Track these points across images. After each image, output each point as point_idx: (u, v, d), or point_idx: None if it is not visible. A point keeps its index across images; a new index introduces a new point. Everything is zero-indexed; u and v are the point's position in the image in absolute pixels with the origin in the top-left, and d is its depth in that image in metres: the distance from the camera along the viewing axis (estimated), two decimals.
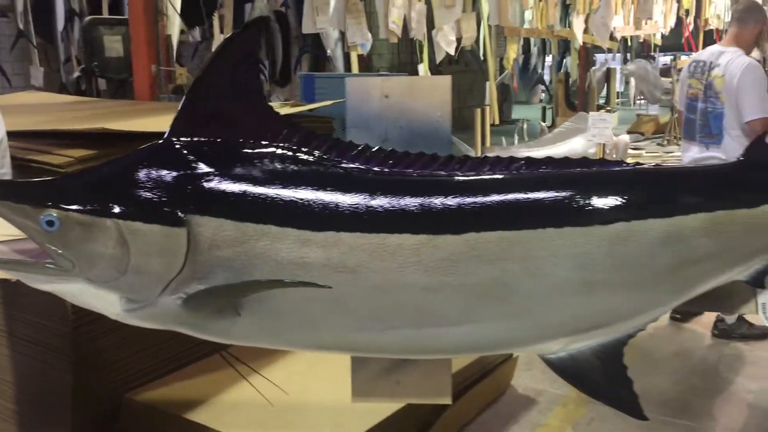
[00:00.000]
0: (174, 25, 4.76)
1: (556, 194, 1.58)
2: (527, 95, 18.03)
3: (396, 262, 1.53)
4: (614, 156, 6.57)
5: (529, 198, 1.58)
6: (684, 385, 3.31)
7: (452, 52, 5.91)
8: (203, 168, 1.57)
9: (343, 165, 1.63)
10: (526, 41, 11.14)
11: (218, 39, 5.68)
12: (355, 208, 1.57)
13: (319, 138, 1.66)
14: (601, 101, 11.50)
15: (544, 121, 10.54)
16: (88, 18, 5.10)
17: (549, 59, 12.54)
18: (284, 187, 1.58)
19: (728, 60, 3.58)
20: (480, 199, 1.58)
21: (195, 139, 1.59)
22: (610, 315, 1.65)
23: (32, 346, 2.45)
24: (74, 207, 1.50)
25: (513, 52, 7.20)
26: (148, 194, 1.54)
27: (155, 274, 1.53)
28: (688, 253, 1.57)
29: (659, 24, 8.31)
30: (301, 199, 1.57)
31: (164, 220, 1.50)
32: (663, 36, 9.61)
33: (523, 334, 1.66)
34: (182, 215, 1.50)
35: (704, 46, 10.75)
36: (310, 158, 1.63)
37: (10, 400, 2.58)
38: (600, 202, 1.56)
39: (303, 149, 1.63)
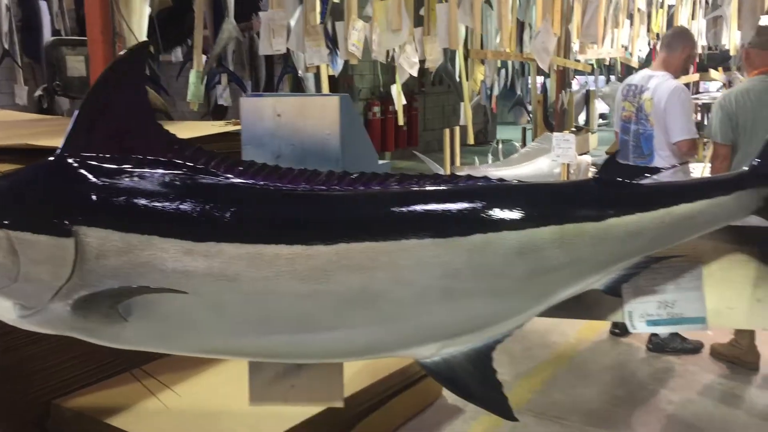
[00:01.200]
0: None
1: (420, 208, 1.69)
2: (515, 116, 18.24)
3: (272, 271, 1.63)
4: (577, 175, 6.70)
5: (395, 211, 1.70)
6: (610, 395, 3.40)
7: (415, 73, 6.03)
8: (92, 181, 1.67)
9: (227, 179, 1.74)
10: (505, 63, 11.31)
11: (199, 58, 5.82)
12: (235, 219, 1.67)
13: (207, 154, 1.77)
14: (582, 123, 11.67)
15: (524, 141, 10.71)
16: (51, 38, 5.23)
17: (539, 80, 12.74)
18: (169, 199, 1.69)
19: (657, 84, 3.71)
20: (350, 213, 1.70)
21: (86, 154, 1.70)
22: (474, 321, 1.76)
23: None
24: None
25: (480, 74, 7.34)
26: (38, 206, 1.64)
27: (45, 282, 1.62)
28: (542, 262, 1.69)
29: (630, 48, 8.46)
30: (185, 211, 1.68)
31: (52, 231, 1.59)
32: (640, 59, 9.79)
33: (394, 339, 1.76)
34: (70, 226, 1.60)
35: None
36: (196, 173, 1.73)
37: None
38: (459, 215, 1.67)
39: (189, 164, 1.74)
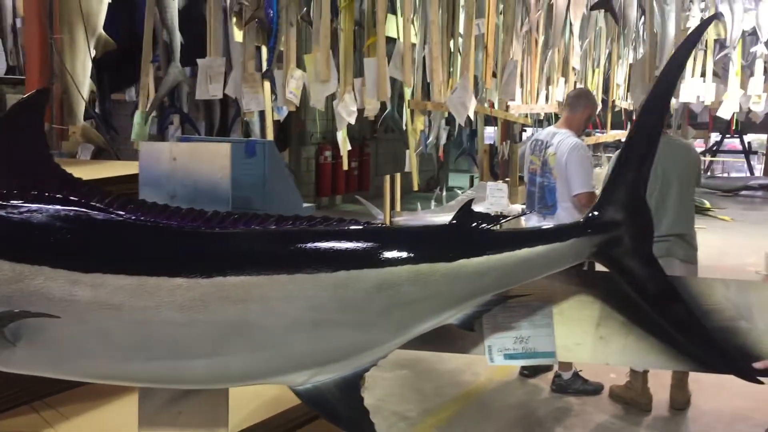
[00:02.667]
0: (83, 86, 5.08)
1: (292, 246, 1.88)
2: (469, 164, 18.68)
3: (154, 301, 1.79)
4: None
5: (268, 249, 1.88)
6: None
7: (352, 121, 6.27)
8: None
9: (117, 216, 1.91)
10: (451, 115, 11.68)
11: (144, 99, 5.99)
12: (120, 252, 1.84)
13: (101, 192, 1.94)
14: None
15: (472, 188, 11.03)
16: None
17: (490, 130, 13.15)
18: (60, 233, 1.84)
19: (560, 140, 4.00)
20: (228, 249, 1.88)
21: None
22: (341, 350, 1.93)
23: None
24: None
25: (420, 123, 7.63)
26: None
27: None
28: (399, 297, 1.88)
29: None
30: (73, 244, 1.83)
31: None
32: None
33: (267, 367, 1.93)
34: None
35: (612, 125, 11.47)
36: (88, 209, 1.90)
37: None
38: (327, 253, 1.86)
39: (82, 200, 1.90)
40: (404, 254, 1.88)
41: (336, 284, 1.83)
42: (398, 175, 7.77)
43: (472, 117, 6.87)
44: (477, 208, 6.53)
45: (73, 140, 4.39)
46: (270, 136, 6.47)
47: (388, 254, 1.87)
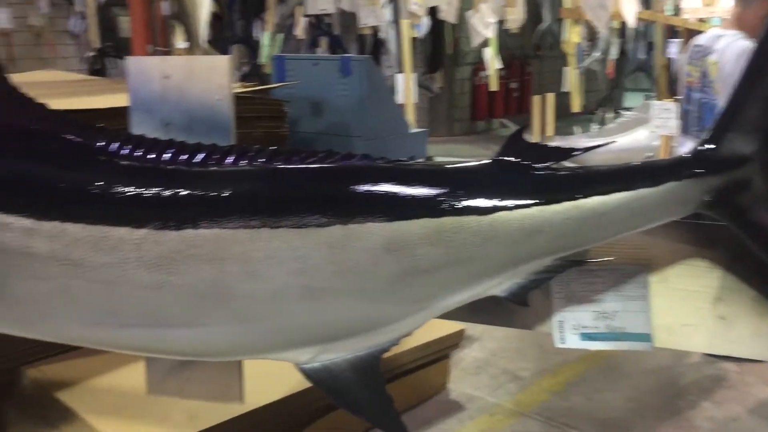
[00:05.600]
0: (202, 6, 4.86)
1: (274, 191, 1.44)
2: (651, 83, 17.03)
3: (117, 257, 1.45)
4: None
5: (246, 193, 1.45)
6: (638, 404, 2.97)
7: (490, 35, 5.62)
8: None
9: (82, 151, 1.56)
10: (624, 25, 10.45)
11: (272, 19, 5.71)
12: (82, 196, 1.50)
13: (66, 121, 1.59)
14: None
15: None
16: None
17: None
18: (17, 172, 1.54)
19: (726, 44, 3.14)
20: (201, 192, 1.47)
21: None
22: (346, 325, 1.49)
23: None
24: None
25: (575, 35, 6.74)
26: None
27: None
28: (415, 261, 1.38)
29: None
30: (31, 186, 1.52)
31: None
32: None
33: (255, 341, 1.53)
34: None
35: None
36: (47, 142, 1.57)
37: None
38: (317, 201, 1.40)
39: (48, 133, 1.58)
40: (421, 204, 1.37)
41: (330, 242, 1.37)
42: (551, 95, 7.00)
43: (631, 23, 5.90)
44: (639, 131, 5.63)
45: None
46: (407, 55, 5.99)
47: (400, 203, 1.37)
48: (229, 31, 7.42)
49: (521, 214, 1.36)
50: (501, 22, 5.73)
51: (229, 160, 1.51)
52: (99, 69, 5.70)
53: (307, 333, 1.51)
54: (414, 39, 6.24)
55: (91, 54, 5.69)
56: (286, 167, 1.47)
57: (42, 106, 1.61)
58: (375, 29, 7.90)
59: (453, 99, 10.73)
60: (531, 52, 12.29)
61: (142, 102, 1.76)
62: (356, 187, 1.40)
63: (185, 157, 1.52)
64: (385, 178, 1.41)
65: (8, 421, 2.60)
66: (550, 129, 7.15)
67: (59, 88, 3.75)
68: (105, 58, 5.21)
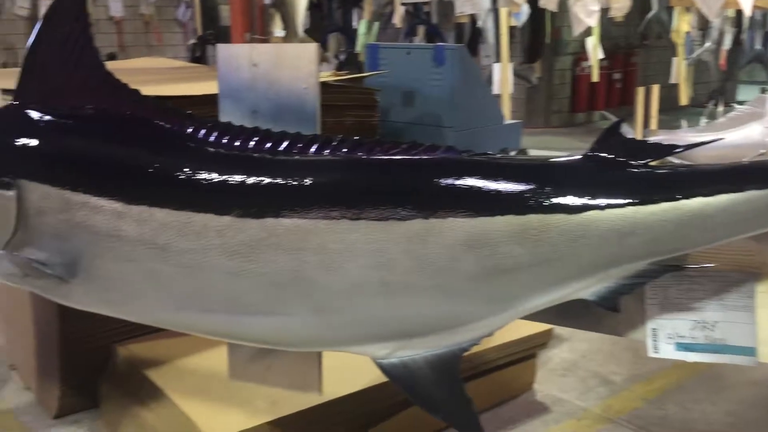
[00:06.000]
0: None
1: (355, 182, 1.41)
2: (767, 75, 16.08)
3: (201, 243, 1.47)
4: None
5: (327, 183, 1.43)
6: (737, 418, 2.78)
7: (593, 23, 5.42)
8: (38, 133, 1.60)
9: (169, 137, 1.58)
10: (739, 13, 9.87)
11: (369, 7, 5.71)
12: (169, 182, 1.52)
13: (160, 108, 1.62)
14: None
15: None
16: None
17: None
18: (108, 157, 1.58)
19: None
20: (283, 181, 1.46)
21: (34, 104, 1.62)
22: (424, 322, 1.45)
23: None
24: None
25: (685, 24, 6.41)
26: None
27: None
28: (497, 260, 1.32)
29: None
30: (122, 171, 1.56)
31: None
32: None
33: (332, 333, 1.52)
34: (12, 180, 1.55)
35: None
36: (138, 128, 1.60)
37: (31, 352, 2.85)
38: (398, 194, 1.37)
39: (140, 119, 1.61)
40: (506, 200, 1.30)
41: (409, 236, 1.34)
42: (655, 87, 6.69)
43: (747, 11, 5.55)
44: (753, 127, 5.32)
45: None
46: (504, 44, 5.86)
47: (483, 199, 1.31)
48: (327, 20, 7.48)
49: (614, 213, 1.27)
50: (605, 11, 5.50)
51: (313, 149, 1.50)
52: (199, 56, 5.87)
53: (384, 328, 1.48)
54: (512, 28, 6.11)
55: (193, 42, 5.85)
56: (368, 158, 1.44)
57: (136, 92, 1.64)
58: (473, 18, 7.79)
59: (551, 90, 10.44)
60: (636, 41, 11.81)
61: (231, 89, 1.77)
62: (439, 180, 1.36)
63: (269, 145, 1.52)
64: (469, 171, 1.35)
65: (102, 394, 2.70)
66: (654, 122, 6.84)
67: (157, 75, 3.86)
68: (206, 45, 5.35)
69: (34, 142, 1.59)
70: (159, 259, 1.51)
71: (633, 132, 6.83)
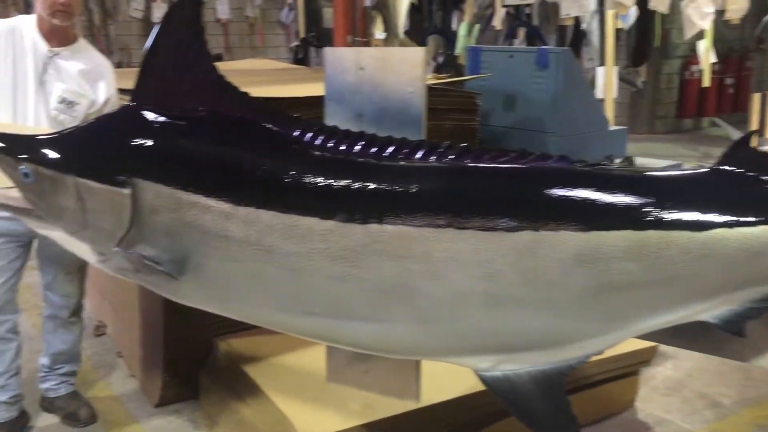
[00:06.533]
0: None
1: (462, 190, 1.39)
2: None
3: (305, 247, 1.47)
4: None
5: (433, 190, 1.41)
6: None
7: (707, 26, 5.18)
8: (153, 133, 1.65)
9: (277, 140, 1.60)
10: None
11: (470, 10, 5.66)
12: (276, 185, 1.54)
13: (272, 112, 1.64)
14: None
15: None
16: None
17: None
18: (219, 158, 1.61)
19: None
20: (388, 186, 1.45)
21: (149, 105, 1.67)
22: (530, 337, 1.41)
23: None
24: (44, 162, 1.69)
25: None
26: (103, 156, 1.68)
27: (108, 231, 1.66)
28: (611, 276, 1.26)
29: None
30: (231, 172, 1.59)
31: (113, 182, 1.61)
32: None
33: (434, 343, 1.49)
34: (128, 178, 1.60)
35: None
36: (246, 130, 1.62)
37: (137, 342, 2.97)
38: (508, 204, 1.32)
39: (250, 121, 1.63)
40: (623, 214, 1.24)
41: (518, 249, 1.29)
42: None
43: None
44: None
45: None
46: (610, 47, 5.67)
47: (598, 212, 1.25)
48: (427, 22, 7.45)
49: (742, 233, 1.19)
50: (720, 13, 5.24)
51: (419, 155, 1.47)
52: (302, 58, 5.97)
53: (488, 340, 1.44)
54: (618, 30, 5.90)
55: (296, 44, 5.96)
56: (477, 165, 1.41)
57: (246, 94, 1.66)
58: (577, 20, 7.58)
59: (657, 94, 10.07)
60: (752, 45, 11.23)
61: (337, 92, 1.77)
62: (550, 191, 1.31)
63: (375, 150, 1.51)
64: (584, 182, 1.30)
65: (202, 386, 2.78)
66: None
67: (263, 76, 3.95)
68: (308, 47, 5.44)
69: (149, 143, 1.64)
70: (264, 260, 1.53)
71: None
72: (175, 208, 1.57)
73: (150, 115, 1.66)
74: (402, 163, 1.46)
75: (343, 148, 1.53)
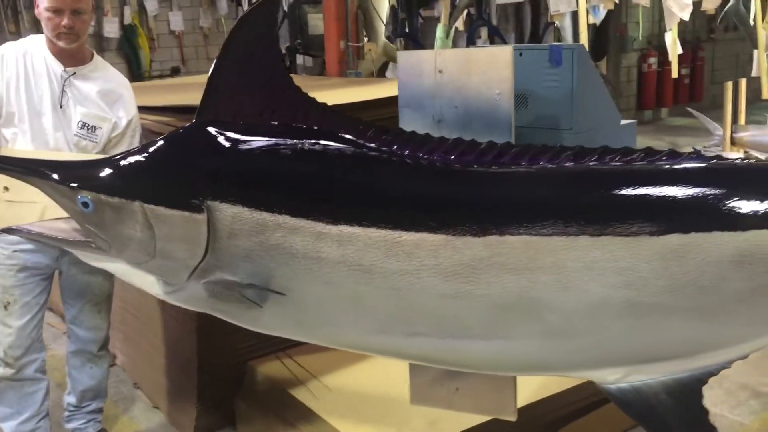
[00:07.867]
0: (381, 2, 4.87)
1: (594, 194, 1.30)
2: None
3: (411, 264, 1.37)
4: None
5: (560, 197, 1.32)
6: None
7: (686, 17, 5.23)
8: (225, 152, 1.53)
9: (369, 151, 1.49)
10: None
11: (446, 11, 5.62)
12: (370, 199, 1.44)
13: (350, 121, 1.53)
14: None
15: None
16: None
17: None
18: (302, 174, 1.50)
19: None
20: (505, 195, 1.36)
21: (220, 122, 1.55)
22: (671, 346, 1.34)
23: (173, 310, 2.61)
24: (106, 189, 1.55)
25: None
26: (173, 179, 1.55)
27: (180, 260, 1.53)
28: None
29: None
30: (317, 189, 1.48)
31: (185, 206, 1.49)
32: None
33: (560, 357, 1.41)
34: (203, 202, 1.48)
35: None
36: (333, 143, 1.51)
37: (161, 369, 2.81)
38: (650, 205, 1.25)
39: (328, 133, 1.52)
40: None
41: (664, 253, 1.22)
42: (743, 81, 6.46)
43: None
44: None
45: (369, 58, 4.16)
46: (584, 42, 5.70)
47: (758, 209, 1.19)
48: (393, 25, 7.41)
49: None
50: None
51: (526, 160, 1.39)
52: (288, 66, 5.83)
53: (623, 352, 1.36)
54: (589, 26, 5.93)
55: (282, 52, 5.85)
56: (604, 167, 1.33)
57: (323, 105, 1.56)
58: (537, 17, 7.64)
59: (619, 87, 10.23)
60: (705, 35, 11.50)
61: (412, 98, 1.69)
62: (697, 190, 1.24)
63: (478, 156, 1.42)
64: (732, 179, 1.24)
65: (239, 413, 2.63)
66: (742, 117, 6.62)
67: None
68: (295, 55, 5.35)
69: (223, 162, 1.53)
70: (363, 281, 1.42)
71: (721, 128, 6.60)
72: (258, 231, 1.46)
73: (221, 132, 1.54)
74: (515, 168, 1.38)
75: (440, 156, 1.43)
